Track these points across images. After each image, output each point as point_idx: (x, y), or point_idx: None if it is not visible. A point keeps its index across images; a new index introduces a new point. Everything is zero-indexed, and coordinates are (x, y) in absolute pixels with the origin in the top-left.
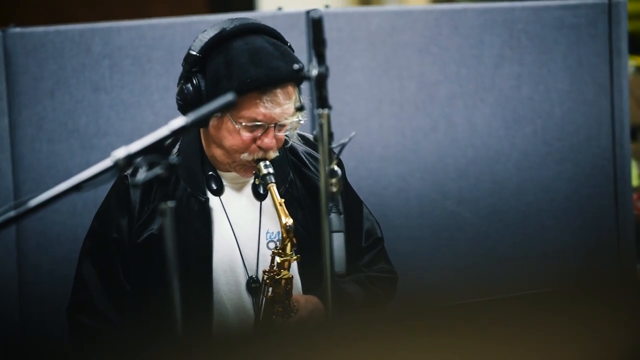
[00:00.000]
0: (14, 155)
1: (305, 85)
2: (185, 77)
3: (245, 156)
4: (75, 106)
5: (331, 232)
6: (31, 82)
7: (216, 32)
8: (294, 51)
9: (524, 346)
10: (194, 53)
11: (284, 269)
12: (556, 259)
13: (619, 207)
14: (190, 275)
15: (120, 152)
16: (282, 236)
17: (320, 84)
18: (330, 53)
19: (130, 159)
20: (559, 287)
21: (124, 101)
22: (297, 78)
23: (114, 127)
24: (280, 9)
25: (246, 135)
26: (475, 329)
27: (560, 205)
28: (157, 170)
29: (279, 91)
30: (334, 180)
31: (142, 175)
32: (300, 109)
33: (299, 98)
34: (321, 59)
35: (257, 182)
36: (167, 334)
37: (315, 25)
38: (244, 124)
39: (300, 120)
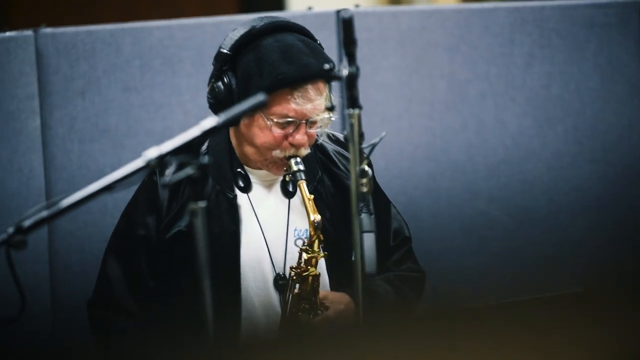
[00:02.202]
0: (45, 155)
1: (335, 85)
2: (216, 76)
3: (276, 153)
4: (106, 106)
5: (362, 232)
6: (62, 83)
7: (246, 29)
8: (323, 49)
9: (556, 346)
10: (225, 51)
11: (311, 266)
12: (588, 258)
13: None
14: (218, 272)
15: (152, 152)
16: (309, 233)
17: (350, 84)
18: (360, 53)
19: (161, 158)
20: (591, 287)
21: (154, 101)
22: (327, 75)
23: (145, 127)
24: (310, 8)
25: (278, 132)
26: (505, 329)
27: (592, 204)
28: (189, 170)
29: (310, 87)
30: (364, 181)
31: (171, 174)
32: (331, 108)
33: (330, 96)
34: (352, 58)
35: (287, 179)
36: (193, 330)
37: (346, 25)
38: (275, 120)
39: (331, 117)
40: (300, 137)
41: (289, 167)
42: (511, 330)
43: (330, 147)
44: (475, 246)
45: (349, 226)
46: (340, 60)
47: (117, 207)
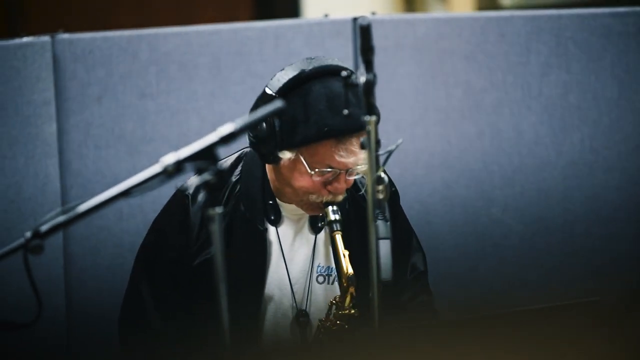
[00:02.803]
0: (61, 160)
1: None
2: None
3: (313, 198)
4: (122, 112)
5: (377, 239)
6: (79, 88)
7: (295, 73)
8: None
9: (570, 355)
10: (271, 92)
11: (342, 322)
12: (603, 268)
13: None
14: (241, 304)
15: (169, 158)
16: (342, 287)
17: (367, 91)
18: (376, 60)
19: (179, 164)
20: (606, 297)
21: (170, 107)
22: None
23: (160, 133)
24: (326, 15)
25: (317, 179)
26: (520, 337)
27: (608, 214)
28: (206, 177)
29: (354, 140)
30: (380, 187)
31: (191, 181)
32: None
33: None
34: (369, 66)
35: (321, 225)
36: (215, 355)
37: (364, 32)
38: (317, 170)
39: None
40: (340, 186)
41: (326, 214)
42: (525, 338)
43: (358, 176)
44: (489, 254)
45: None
46: (357, 67)
47: (132, 213)
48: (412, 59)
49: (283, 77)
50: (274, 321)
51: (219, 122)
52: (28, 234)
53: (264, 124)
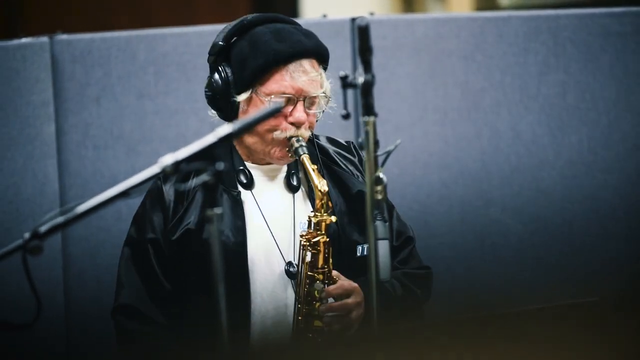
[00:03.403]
0: (60, 161)
1: (350, 93)
2: (211, 68)
3: (277, 134)
4: (120, 113)
5: (376, 239)
6: (77, 89)
7: (237, 21)
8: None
9: (569, 355)
10: (218, 43)
11: (320, 231)
12: (601, 268)
13: None
14: (226, 268)
15: (168, 159)
16: (316, 200)
17: (366, 92)
18: (374, 60)
19: (177, 165)
20: (604, 296)
21: (168, 108)
22: (319, 54)
23: (159, 133)
24: (325, 16)
25: None
26: (519, 337)
27: (606, 214)
28: (204, 177)
29: (304, 61)
30: (379, 188)
31: (181, 178)
32: (346, 116)
33: (326, 81)
34: (367, 66)
35: (290, 156)
36: (209, 327)
37: (362, 33)
38: (273, 97)
39: (328, 96)
40: (299, 114)
41: (291, 145)
42: (524, 338)
43: (331, 148)
44: (488, 254)
45: (352, 224)
46: (355, 67)
47: (131, 214)
48: (411, 59)
49: (227, 27)
50: (263, 279)
51: (217, 123)
52: (27, 235)
53: (217, 76)
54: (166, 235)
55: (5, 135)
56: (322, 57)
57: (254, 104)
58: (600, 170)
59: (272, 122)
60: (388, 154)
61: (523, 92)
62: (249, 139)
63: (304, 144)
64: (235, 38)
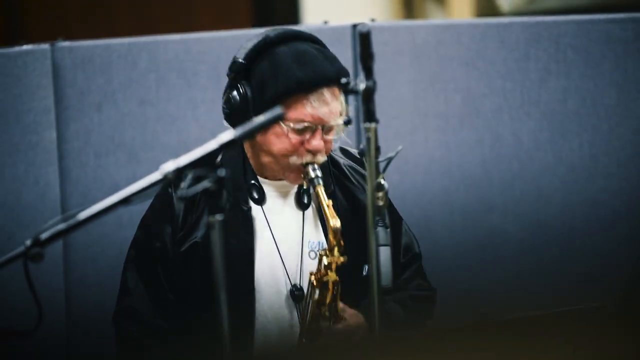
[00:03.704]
0: (61, 168)
1: (351, 98)
2: (230, 85)
3: (293, 160)
4: (121, 120)
5: (378, 245)
6: (79, 96)
7: (260, 39)
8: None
9: None
10: (239, 60)
11: (331, 271)
12: (603, 274)
13: None
14: (232, 284)
15: (169, 166)
16: (329, 238)
17: (367, 98)
18: (375, 66)
19: (179, 172)
20: (606, 302)
21: (170, 114)
22: (341, 80)
23: (160, 140)
24: (326, 22)
25: (294, 138)
26: (521, 343)
27: (607, 220)
28: (206, 184)
29: (325, 90)
30: (380, 194)
31: (186, 187)
32: (348, 122)
33: (345, 103)
34: (369, 72)
35: (303, 188)
36: (210, 342)
37: (363, 39)
38: (292, 126)
39: (348, 124)
40: (317, 142)
41: (306, 173)
42: (526, 344)
43: (343, 161)
44: (489, 260)
45: (361, 240)
46: (356, 74)
47: (133, 220)
48: (412, 65)
49: (249, 44)
50: (268, 298)
51: (218, 129)
52: (28, 242)
53: (236, 94)
54: (173, 245)
55: (6, 142)
56: (342, 82)
57: (274, 131)
58: (601, 176)
59: (288, 146)
60: (389, 160)
61: (524, 98)
62: (265, 158)
63: (319, 173)
64: (256, 56)
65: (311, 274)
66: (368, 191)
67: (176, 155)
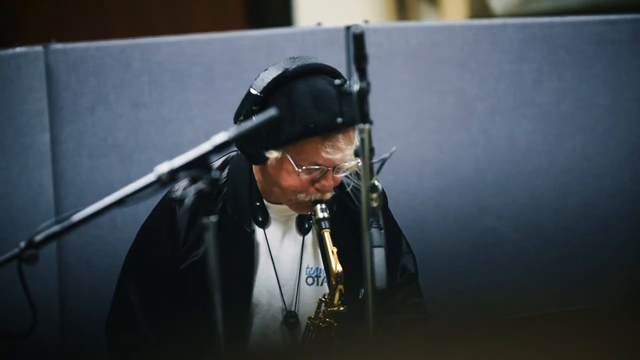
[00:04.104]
0: (55, 170)
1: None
2: (245, 116)
3: (302, 197)
4: (115, 122)
5: (372, 247)
6: (72, 98)
7: (279, 72)
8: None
9: None
10: (256, 92)
11: (330, 319)
12: (597, 275)
13: None
14: (230, 305)
15: (164, 167)
16: (331, 285)
17: (361, 99)
18: (369, 68)
19: (173, 173)
20: (600, 304)
21: (163, 117)
22: (356, 123)
23: (154, 142)
24: (319, 24)
25: (305, 177)
26: (515, 344)
27: (601, 221)
28: (200, 185)
29: (340, 136)
30: (374, 195)
31: (186, 191)
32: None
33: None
34: (363, 74)
35: (311, 223)
36: (204, 357)
37: (357, 40)
38: (304, 167)
39: (359, 163)
40: (327, 183)
41: (314, 212)
42: (519, 346)
43: (347, 180)
44: (483, 262)
45: (357, 267)
46: (350, 75)
47: (127, 222)
48: (406, 67)
49: (267, 76)
50: (262, 323)
51: (212, 131)
52: (22, 244)
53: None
54: (173, 262)
55: None
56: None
57: (285, 168)
58: (594, 177)
59: (298, 184)
60: (383, 161)
61: (518, 99)
62: (274, 188)
63: (327, 214)
64: (274, 90)
65: (309, 318)
66: (362, 192)
67: (170, 157)
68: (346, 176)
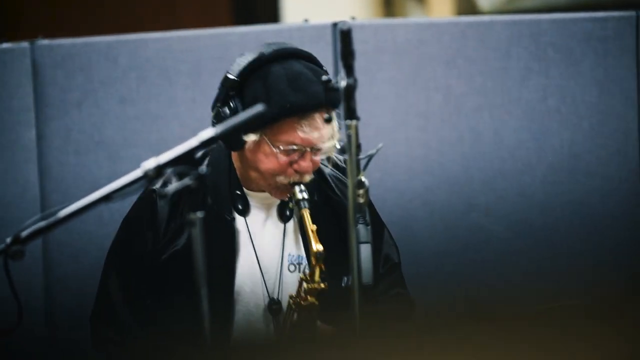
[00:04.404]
0: (41, 166)
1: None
2: (222, 101)
3: (280, 179)
4: (102, 118)
5: (358, 243)
6: (59, 94)
7: (254, 56)
8: (329, 76)
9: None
10: (232, 77)
11: (311, 296)
12: (584, 272)
13: None
14: (212, 294)
15: (150, 163)
16: (311, 263)
17: (348, 96)
18: (356, 64)
19: (160, 169)
20: (587, 300)
21: (150, 113)
22: (333, 103)
23: (141, 138)
24: (306, 20)
25: (283, 158)
26: (500, 342)
27: (588, 218)
28: (187, 181)
29: (317, 116)
30: (361, 192)
31: (171, 187)
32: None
33: (336, 123)
34: (350, 70)
35: (291, 206)
36: (189, 348)
37: (344, 37)
38: (281, 147)
39: (336, 145)
40: (305, 164)
41: (293, 194)
42: (506, 343)
43: (328, 170)
44: (470, 259)
45: (343, 252)
46: (337, 72)
47: (113, 218)
48: (392, 63)
49: (243, 61)
50: (246, 310)
51: (199, 127)
52: (8, 240)
53: (227, 110)
54: (154, 253)
55: None
56: (335, 104)
57: (262, 149)
58: (582, 174)
59: (276, 166)
60: (370, 157)
61: (505, 96)
62: (252, 173)
63: (306, 195)
64: (250, 74)
65: (290, 297)
66: (349, 188)
67: (157, 153)
68: (325, 164)
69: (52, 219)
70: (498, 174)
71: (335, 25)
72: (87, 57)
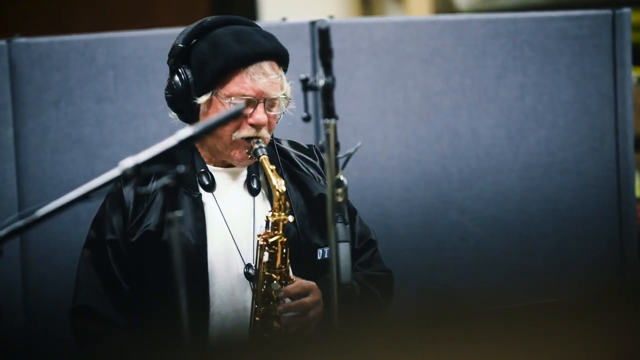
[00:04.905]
0: (18, 165)
1: (310, 95)
2: (171, 71)
3: (236, 135)
4: (79, 116)
5: (337, 242)
6: (36, 93)
7: (197, 24)
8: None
9: (526, 357)
10: (178, 45)
11: (278, 230)
12: (559, 269)
13: (623, 217)
14: (186, 269)
15: (128, 162)
16: (274, 198)
17: (326, 94)
18: (334, 63)
19: (138, 168)
20: (562, 298)
21: (128, 111)
22: (279, 56)
23: (118, 137)
24: (284, 19)
25: None
26: (477, 339)
27: (564, 215)
28: (165, 180)
29: (264, 63)
30: (339, 190)
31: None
32: (307, 118)
33: (287, 84)
34: (328, 69)
35: (250, 157)
36: (169, 333)
37: (322, 35)
38: (233, 100)
39: (288, 98)
40: (259, 116)
41: (251, 147)
42: (482, 341)
43: (293, 151)
44: (448, 256)
45: (312, 227)
46: (315, 70)
47: (90, 218)
48: (370, 62)
49: (187, 30)
50: (223, 282)
51: (177, 127)
52: None
53: (177, 77)
54: (125, 236)
55: None
56: (282, 59)
57: (215, 107)
58: (558, 172)
59: (232, 124)
60: (348, 156)
61: (482, 94)
62: (210, 141)
63: (263, 145)
64: (195, 40)
65: (259, 235)
66: (328, 187)
67: (134, 152)
68: (288, 147)
69: (29, 219)
70: (475, 172)
71: (313, 23)
72: (64, 56)
